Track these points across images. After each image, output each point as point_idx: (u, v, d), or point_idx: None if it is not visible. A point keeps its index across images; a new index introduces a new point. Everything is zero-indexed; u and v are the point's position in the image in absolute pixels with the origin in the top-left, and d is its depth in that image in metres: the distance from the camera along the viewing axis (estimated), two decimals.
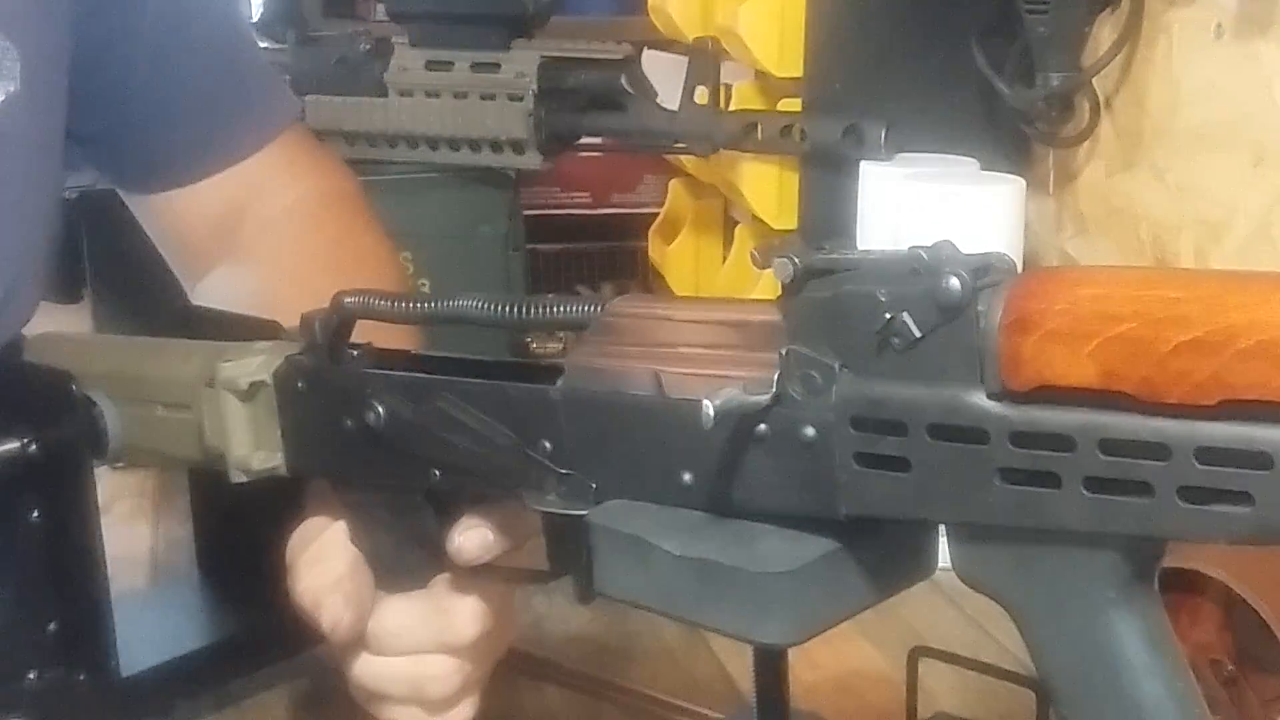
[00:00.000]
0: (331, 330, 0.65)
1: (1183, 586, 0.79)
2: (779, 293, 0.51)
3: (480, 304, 0.60)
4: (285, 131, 0.90)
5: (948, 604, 0.96)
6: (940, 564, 0.53)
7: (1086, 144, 1.18)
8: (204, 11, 0.87)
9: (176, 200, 0.87)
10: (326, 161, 0.94)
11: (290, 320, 0.68)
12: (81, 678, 0.76)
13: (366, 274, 0.83)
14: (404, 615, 0.65)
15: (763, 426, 0.51)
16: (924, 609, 0.95)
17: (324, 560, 0.66)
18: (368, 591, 0.66)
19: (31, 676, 0.75)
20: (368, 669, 0.66)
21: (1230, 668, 0.81)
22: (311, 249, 0.86)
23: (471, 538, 0.62)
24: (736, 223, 1.44)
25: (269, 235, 0.86)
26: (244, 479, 0.68)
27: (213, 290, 0.86)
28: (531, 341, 1.39)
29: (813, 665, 0.90)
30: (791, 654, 0.64)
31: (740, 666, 0.91)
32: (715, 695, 0.89)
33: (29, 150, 0.76)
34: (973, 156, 1.15)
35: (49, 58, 0.76)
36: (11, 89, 0.72)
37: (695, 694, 0.89)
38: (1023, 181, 1.08)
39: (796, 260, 0.49)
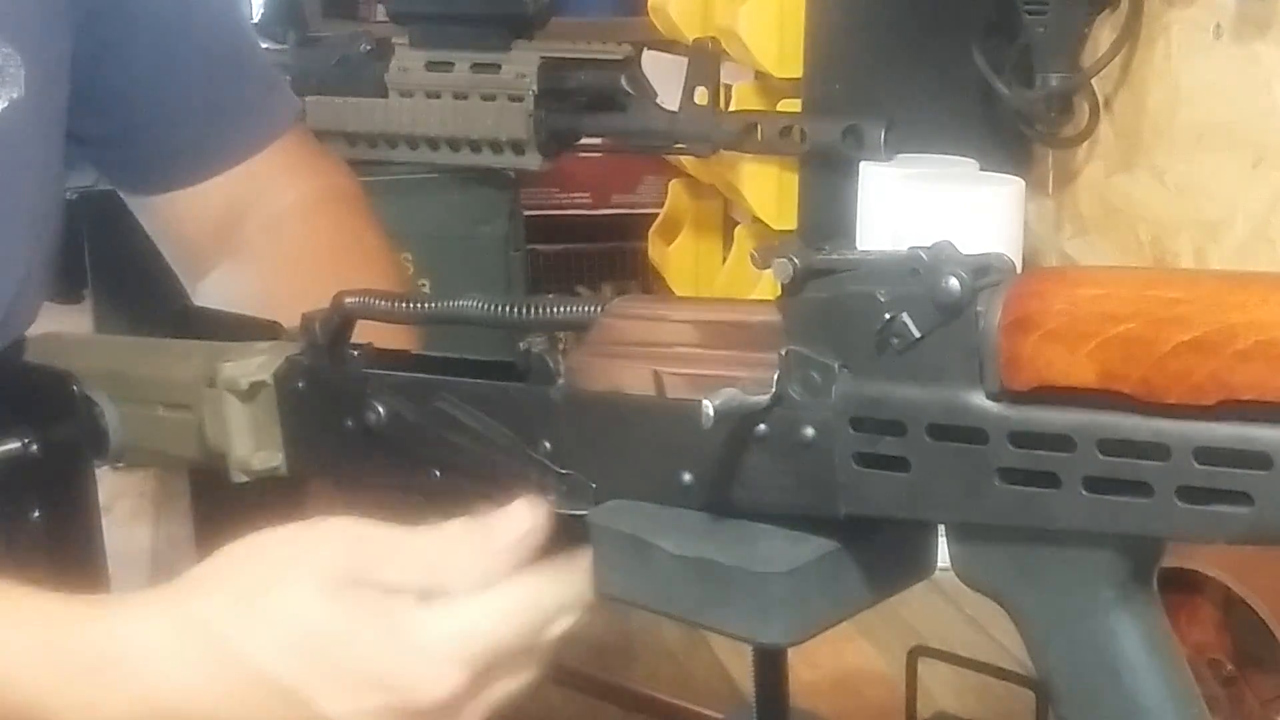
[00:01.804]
0: (332, 330, 0.65)
1: (1181, 586, 0.79)
2: (779, 293, 0.51)
3: (480, 304, 0.60)
4: (286, 133, 0.90)
5: (947, 604, 0.96)
6: (940, 564, 0.53)
7: (1086, 144, 1.18)
8: (205, 13, 0.87)
9: (177, 201, 0.87)
10: (326, 162, 0.94)
11: (290, 320, 0.68)
12: None
13: (366, 274, 0.83)
14: None
15: (762, 427, 0.51)
16: (923, 609, 0.95)
17: None
18: None
19: None
20: None
21: (1229, 667, 0.81)
22: (311, 249, 0.86)
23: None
24: (736, 223, 1.44)
25: (269, 236, 0.86)
26: (245, 479, 0.69)
27: (213, 290, 0.86)
28: None
29: (812, 665, 0.90)
30: (791, 653, 0.64)
31: (740, 666, 0.91)
32: (715, 695, 0.89)
33: (33, 155, 0.76)
34: (972, 157, 1.15)
35: (52, 62, 0.77)
36: (15, 95, 0.73)
37: (695, 694, 0.89)
38: (1022, 182, 1.08)
39: (796, 261, 0.49)
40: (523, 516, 0.58)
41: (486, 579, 0.57)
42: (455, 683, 0.55)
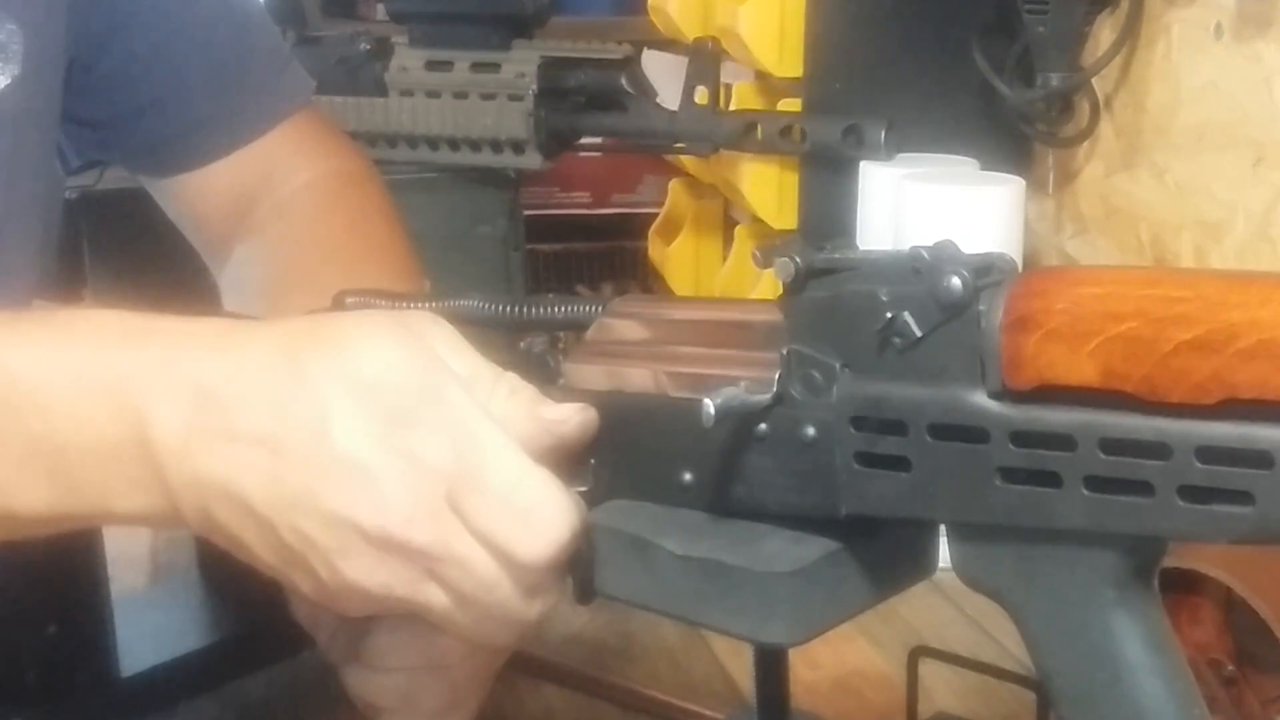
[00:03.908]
0: None
1: (1182, 586, 0.79)
2: (780, 292, 0.51)
3: (481, 304, 0.60)
4: (296, 112, 0.90)
5: (948, 604, 0.96)
6: (940, 564, 0.53)
7: (1086, 144, 1.18)
8: None
9: (190, 183, 0.87)
10: (338, 142, 0.94)
11: (304, 301, 0.67)
12: (82, 678, 0.76)
13: (379, 256, 0.83)
14: (390, 635, 0.65)
15: (763, 426, 0.51)
16: (924, 609, 0.95)
17: None
18: None
19: (32, 676, 0.75)
20: (361, 681, 0.67)
21: (1230, 668, 0.81)
22: (325, 230, 0.86)
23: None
24: (736, 223, 1.44)
25: (280, 220, 0.86)
26: None
27: (234, 274, 0.85)
28: None
29: (813, 665, 0.90)
30: (791, 654, 0.64)
31: (740, 666, 0.91)
32: (715, 695, 0.89)
33: (31, 133, 0.76)
34: (972, 156, 1.15)
35: (50, 41, 0.76)
36: (16, 72, 0.73)
37: (695, 694, 0.89)
38: (1022, 181, 1.08)
39: (798, 260, 0.49)
40: (573, 407, 0.56)
41: (514, 428, 0.54)
42: (441, 460, 0.52)
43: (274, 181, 0.87)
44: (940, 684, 0.85)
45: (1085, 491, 0.44)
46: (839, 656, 0.93)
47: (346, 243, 0.85)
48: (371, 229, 0.87)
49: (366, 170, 0.92)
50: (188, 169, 0.87)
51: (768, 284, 1.22)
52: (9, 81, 0.72)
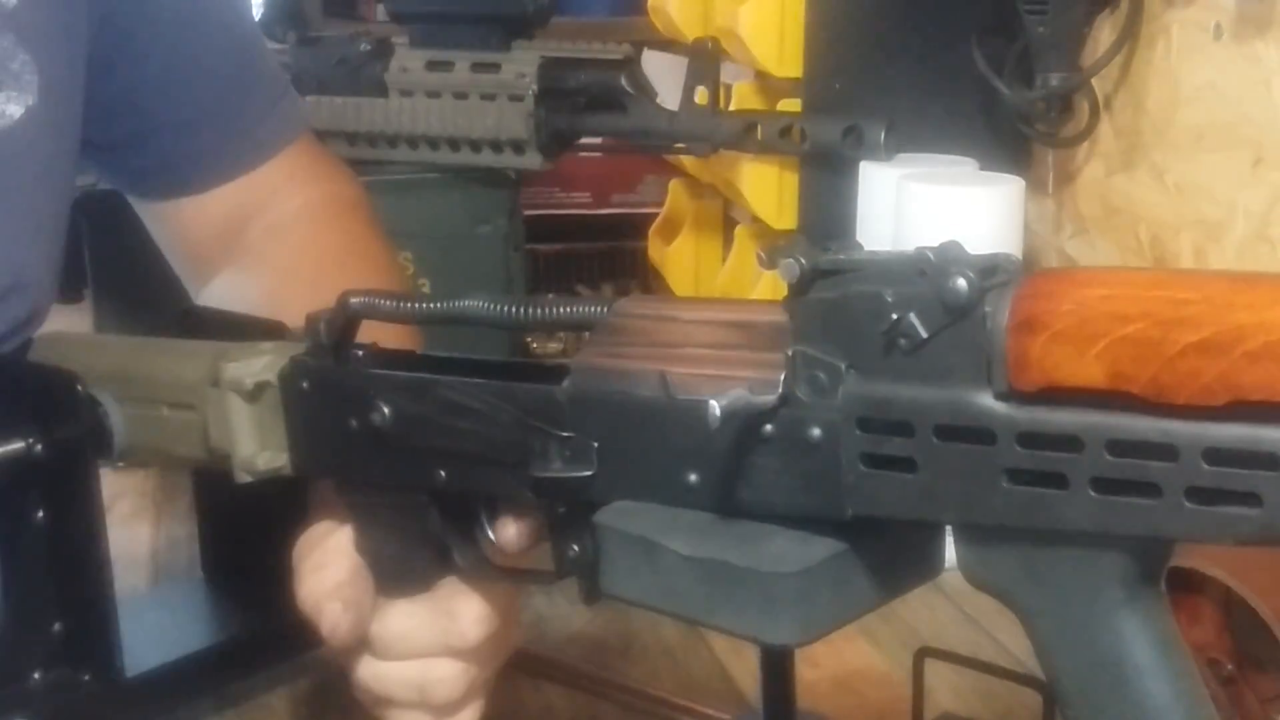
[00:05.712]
0: (336, 330, 0.65)
1: (1182, 586, 0.79)
2: (782, 293, 0.51)
3: (485, 304, 0.60)
4: (296, 140, 0.90)
5: (948, 604, 0.96)
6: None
7: (1086, 144, 1.19)
8: (216, 22, 0.87)
9: (185, 207, 0.87)
10: (332, 169, 0.94)
11: (294, 324, 0.68)
12: (85, 678, 0.76)
13: (369, 279, 0.83)
14: (408, 619, 0.65)
15: (769, 427, 0.51)
16: (925, 609, 0.96)
17: (325, 566, 0.66)
18: (368, 597, 0.66)
19: (35, 677, 0.75)
20: (372, 672, 0.66)
21: (1229, 667, 0.82)
22: (315, 254, 0.86)
23: (513, 528, 0.62)
24: (736, 223, 1.44)
25: (273, 240, 0.86)
26: (249, 479, 0.68)
27: (217, 296, 0.86)
28: (532, 342, 1.39)
29: (813, 664, 0.91)
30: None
31: (740, 666, 0.91)
32: (715, 695, 0.89)
33: (46, 162, 0.76)
34: (972, 157, 1.15)
35: (66, 69, 0.77)
36: (31, 102, 0.73)
37: (695, 693, 0.89)
38: (1022, 182, 1.08)
39: (803, 261, 0.49)
40: None
41: None
42: None
43: (267, 207, 0.87)
44: (942, 684, 0.85)
45: (1092, 493, 0.44)
46: (840, 656, 0.93)
47: (338, 264, 0.85)
48: (364, 249, 0.87)
49: (358, 195, 0.93)
50: (186, 194, 0.87)
51: (768, 284, 1.22)
52: (24, 111, 0.72)
